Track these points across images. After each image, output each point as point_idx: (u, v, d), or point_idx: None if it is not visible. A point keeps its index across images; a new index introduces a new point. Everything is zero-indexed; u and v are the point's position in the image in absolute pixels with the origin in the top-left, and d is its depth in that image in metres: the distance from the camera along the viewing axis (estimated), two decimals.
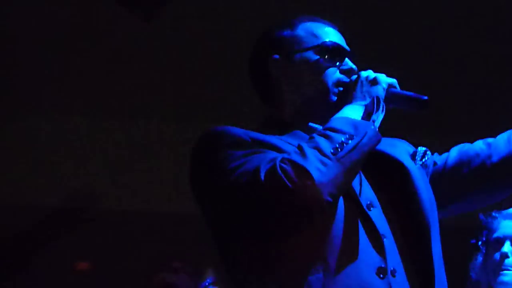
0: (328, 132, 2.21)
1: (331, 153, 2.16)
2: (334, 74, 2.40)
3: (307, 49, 2.42)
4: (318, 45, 2.42)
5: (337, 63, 2.41)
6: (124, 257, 5.97)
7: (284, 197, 2.12)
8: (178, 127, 5.56)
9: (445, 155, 2.52)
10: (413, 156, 2.44)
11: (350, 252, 2.20)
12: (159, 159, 5.67)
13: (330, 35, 2.45)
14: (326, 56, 2.41)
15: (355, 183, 2.33)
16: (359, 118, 2.28)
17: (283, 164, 2.14)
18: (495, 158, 2.44)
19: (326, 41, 2.42)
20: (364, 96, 2.33)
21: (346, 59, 2.44)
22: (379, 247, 2.24)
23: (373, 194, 2.34)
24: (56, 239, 5.63)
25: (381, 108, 2.30)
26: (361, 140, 2.19)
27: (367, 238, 2.24)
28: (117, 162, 5.67)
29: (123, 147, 5.68)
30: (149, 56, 5.29)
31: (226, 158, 2.22)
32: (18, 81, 5.24)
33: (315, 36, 2.44)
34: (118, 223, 5.54)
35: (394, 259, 2.26)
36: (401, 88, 2.39)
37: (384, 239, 2.26)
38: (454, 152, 2.51)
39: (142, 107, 5.56)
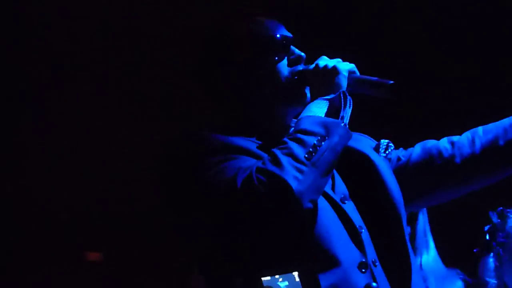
0: (300, 135, 2.19)
1: (306, 158, 2.14)
2: (284, 67, 2.38)
3: (252, 49, 2.38)
4: (261, 43, 2.38)
5: (284, 54, 2.38)
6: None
7: (263, 208, 2.11)
8: None
9: (409, 150, 2.50)
10: (376, 149, 2.43)
11: (332, 250, 2.21)
12: None
13: (271, 28, 2.41)
14: (272, 52, 2.37)
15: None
16: (327, 115, 2.26)
17: (259, 175, 2.12)
18: (458, 159, 2.43)
19: (268, 37, 2.38)
20: (328, 88, 2.31)
21: (292, 47, 2.40)
22: (358, 241, 2.26)
23: (345, 187, 2.35)
24: None
25: (348, 103, 2.27)
26: (333, 140, 2.19)
27: (346, 233, 2.25)
28: None
29: None
30: None
31: (201, 165, 2.20)
32: None
33: (257, 33, 2.40)
34: None
35: (372, 250, 2.28)
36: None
37: (362, 232, 2.27)
38: (418, 149, 2.49)
39: None
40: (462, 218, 4.68)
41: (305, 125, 2.23)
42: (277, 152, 2.16)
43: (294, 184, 2.10)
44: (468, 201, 2.59)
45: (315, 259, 2.19)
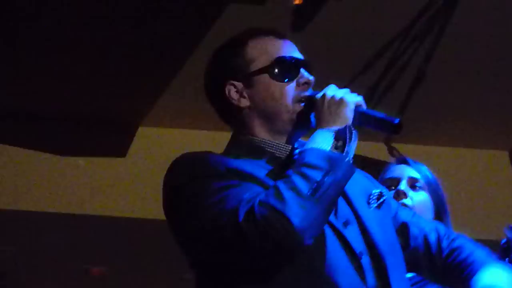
0: (304, 170, 2.15)
1: (310, 194, 2.11)
2: (292, 90, 2.33)
3: (261, 69, 2.33)
4: (271, 63, 2.33)
5: (293, 77, 2.34)
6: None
7: (264, 242, 2.08)
8: None
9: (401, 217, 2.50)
10: (368, 200, 2.39)
11: (333, 278, 2.17)
12: None
13: (282, 49, 2.38)
14: (281, 73, 2.33)
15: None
16: (331, 148, 2.22)
17: (262, 208, 2.09)
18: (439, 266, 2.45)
19: (278, 57, 2.34)
20: (334, 119, 2.27)
21: (302, 70, 2.36)
22: (358, 268, 2.22)
23: (349, 210, 2.32)
24: None
25: (353, 138, 2.24)
26: (337, 175, 2.15)
27: (347, 259, 2.22)
28: None
29: None
30: None
31: (202, 191, 2.17)
32: None
33: (266, 53, 2.36)
34: None
35: (372, 277, 2.24)
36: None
37: (362, 258, 2.24)
38: (414, 229, 2.49)
39: None
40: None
41: (310, 158, 2.19)
42: (281, 186, 2.13)
43: (296, 220, 2.07)
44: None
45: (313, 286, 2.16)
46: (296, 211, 2.08)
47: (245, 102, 2.35)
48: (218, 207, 2.13)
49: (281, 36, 2.41)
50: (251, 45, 2.37)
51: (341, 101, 2.28)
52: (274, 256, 2.12)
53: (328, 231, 2.23)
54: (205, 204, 2.15)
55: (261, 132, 2.35)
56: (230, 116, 2.39)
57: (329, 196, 2.13)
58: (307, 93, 2.35)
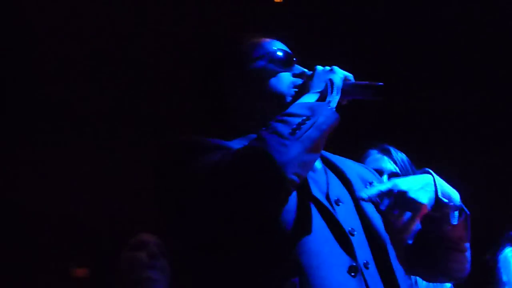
0: (285, 117, 2.22)
1: (289, 133, 2.16)
2: (287, 78, 2.45)
3: (257, 58, 2.46)
4: (267, 53, 2.47)
5: (288, 69, 2.46)
6: None
7: (248, 181, 2.12)
8: None
9: None
10: (366, 186, 2.46)
11: (321, 254, 2.22)
12: None
13: (276, 44, 2.50)
14: (276, 63, 2.46)
15: (321, 181, 2.38)
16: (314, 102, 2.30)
17: (244, 151, 2.15)
18: None
19: (274, 49, 2.48)
20: (321, 84, 2.36)
21: (296, 64, 2.49)
22: (346, 245, 2.27)
23: (343, 190, 2.39)
24: None
25: (335, 91, 2.32)
26: (317, 119, 2.21)
27: (334, 238, 2.26)
28: None
29: None
30: None
31: (192, 160, 2.22)
32: None
33: (262, 47, 2.49)
34: None
35: (365, 252, 2.30)
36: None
37: (352, 235, 2.29)
38: None
39: None
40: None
41: (291, 109, 2.26)
42: (262, 132, 2.20)
43: (276, 155, 2.11)
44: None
45: (295, 263, 2.19)
46: (276, 147, 2.12)
47: (238, 93, 2.45)
48: (204, 164, 2.19)
49: (275, 36, 2.54)
50: (247, 41, 2.50)
51: (331, 69, 2.39)
52: (261, 199, 2.14)
53: (314, 210, 2.28)
54: (193, 168, 2.20)
55: (252, 122, 2.41)
56: (221, 107, 2.48)
57: (310, 137, 2.17)
58: (300, 82, 2.45)
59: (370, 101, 2.38)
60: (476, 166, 5.15)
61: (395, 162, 3.40)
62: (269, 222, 2.20)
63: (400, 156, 3.44)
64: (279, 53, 2.47)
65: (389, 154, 3.43)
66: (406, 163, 3.42)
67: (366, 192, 2.29)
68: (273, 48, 2.49)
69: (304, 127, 2.18)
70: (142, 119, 5.47)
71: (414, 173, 3.39)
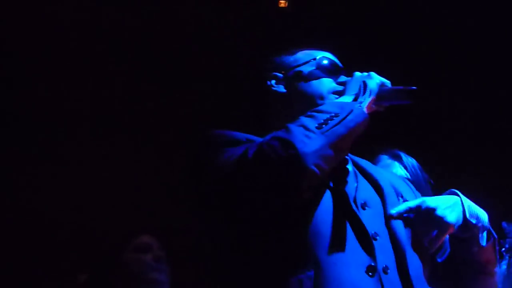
0: (314, 113, 2.28)
1: (316, 127, 2.22)
2: (329, 83, 2.52)
3: (305, 62, 2.55)
4: (314, 59, 2.55)
5: (333, 76, 2.53)
6: None
7: (271, 169, 2.17)
8: None
9: None
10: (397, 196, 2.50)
11: (339, 251, 2.24)
12: None
13: (325, 53, 2.58)
14: (322, 69, 2.53)
15: (351, 183, 2.40)
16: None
17: (269, 141, 2.20)
18: None
19: (321, 56, 2.56)
20: (357, 88, 2.42)
21: (342, 75, 2.55)
22: (368, 247, 2.29)
23: (374, 195, 2.42)
24: None
25: (368, 92, 2.38)
26: (346, 116, 2.26)
27: (356, 238, 2.28)
28: None
29: None
30: None
31: (221, 154, 2.28)
32: None
33: (311, 55, 2.58)
34: None
35: (386, 257, 2.31)
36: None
37: (375, 239, 2.31)
38: None
39: None
40: None
41: (322, 107, 2.34)
42: (289, 124, 2.26)
43: (299, 145, 2.17)
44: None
45: (312, 256, 2.23)
46: (300, 138, 2.19)
47: (285, 93, 2.53)
48: (231, 156, 2.25)
49: (326, 50, 2.62)
50: (298, 51, 2.61)
51: (369, 75, 2.45)
52: (284, 188, 2.18)
53: (339, 210, 2.31)
54: (223, 159, 2.26)
55: (292, 118, 2.41)
56: (267, 108, 2.56)
57: (335, 132, 2.23)
58: (340, 88, 2.50)
59: (404, 105, 2.46)
60: (490, 168, 5.13)
61: (405, 168, 3.39)
62: (292, 213, 2.24)
63: (411, 161, 3.44)
64: (325, 61, 2.55)
65: (399, 160, 3.42)
66: (417, 168, 3.42)
67: (395, 209, 2.34)
68: (320, 55, 2.56)
69: (331, 122, 2.23)
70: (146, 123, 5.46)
71: (424, 179, 3.40)
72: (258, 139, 2.32)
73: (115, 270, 3.62)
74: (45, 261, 5.69)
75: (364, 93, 2.37)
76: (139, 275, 3.59)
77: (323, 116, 2.25)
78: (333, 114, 2.25)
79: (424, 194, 3.24)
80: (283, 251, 2.23)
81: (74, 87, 5.33)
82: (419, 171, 3.41)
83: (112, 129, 5.52)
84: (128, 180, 5.45)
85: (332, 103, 2.35)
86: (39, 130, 5.49)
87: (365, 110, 2.32)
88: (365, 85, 2.39)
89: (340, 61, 2.61)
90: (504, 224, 3.36)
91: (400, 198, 2.47)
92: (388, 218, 2.35)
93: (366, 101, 2.36)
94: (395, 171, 3.36)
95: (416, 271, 2.35)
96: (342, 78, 2.55)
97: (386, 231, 2.36)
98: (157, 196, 5.33)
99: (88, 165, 5.51)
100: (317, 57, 2.57)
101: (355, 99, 2.37)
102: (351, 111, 2.27)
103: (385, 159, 3.44)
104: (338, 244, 2.25)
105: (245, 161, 2.20)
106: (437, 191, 3.18)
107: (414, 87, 2.44)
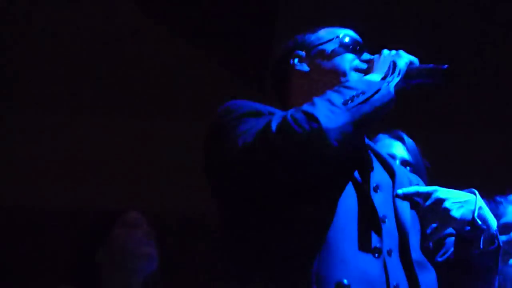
0: (341, 88, 2.29)
1: (342, 103, 2.22)
2: (353, 60, 2.51)
3: (328, 41, 2.55)
4: (337, 37, 2.55)
5: (356, 54, 2.53)
6: None
7: (293, 140, 2.18)
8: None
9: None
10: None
11: (348, 231, 2.26)
12: None
13: (348, 31, 2.58)
14: (344, 47, 2.53)
15: (366, 165, 2.42)
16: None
17: (293, 113, 2.22)
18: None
19: (344, 34, 2.56)
20: (385, 66, 2.41)
21: (365, 53, 2.55)
22: (377, 229, 2.30)
23: (386, 177, 2.43)
24: None
25: (397, 72, 2.37)
26: (372, 95, 2.26)
27: (366, 220, 2.30)
28: None
29: None
30: None
31: (243, 124, 2.28)
32: None
33: (334, 33, 2.58)
34: None
35: (391, 240, 2.33)
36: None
37: (384, 222, 2.33)
38: None
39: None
40: None
41: (349, 83, 2.34)
42: (315, 98, 2.27)
43: (323, 119, 2.18)
44: None
45: (320, 233, 2.24)
46: (325, 113, 2.19)
47: (308, 71, 2.52)
48: (253, 125, 2.25)
49: (350, 28, 2.61)
50: (321, 29, 2.60)
51: (397, 53, 2.45)
52: (303, 159, 2.19)
53: (351, 190, 2.32)
54: (242, 129, 2.26)
55: (314, 96, 2.39)
56: (288, 88, 2.55)
57: (360, 110, 2.23)
58: (365, 67, 2.49)
59: (434, 85, 2.42)
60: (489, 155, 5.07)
61: (408, 150, 3.34)
62: (309, 187, 2.25)
63: (412, 143, 3.39)
64: (348, 39, 2.54)
65: (402, 140, 3.37)
66: (417, 153, 3.37)
67: (403, 190, 2.33)
68: (343, 33, 2.56)
69: (357, 99, 2.23)
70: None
71: (423, 162, 3.36)
72: (280, 112, 2.32)
73: (104, 245, 3.53)
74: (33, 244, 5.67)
75: (393, 72, 2.36)
76: (131, 250, 3.51)
77: (350, 93, 2.25)
78: (359, 92, 2.25)
79: (421, 177, 3.22)
80: (292, 224, 2.24)
81: None
82: (419, 156, 3.40)
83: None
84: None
85: (361, 80, 2.35)
86: None
87: (392, 90, 2.31)
88: (394, 64, 2.38)
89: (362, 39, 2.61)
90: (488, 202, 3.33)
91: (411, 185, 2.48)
92: (394, 197, 2.36)
93: (394, 81, 2.35)
94: (395, 151, 3.36)
95: (418, 256, 2.37)
96: (366, 56, 2.54)
97: (393, 215, 2.37)
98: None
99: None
100: (340, 35, 2.56)
101: (383, 78, 2.36)
102: (378, 90, 2.27)
103: (385, 138, 3.41)
104: (348, 223, 2.26)
105: (269, 132, 2.19)
106: (433, 178, 3.18)
107: (445, 66, 2.40)
